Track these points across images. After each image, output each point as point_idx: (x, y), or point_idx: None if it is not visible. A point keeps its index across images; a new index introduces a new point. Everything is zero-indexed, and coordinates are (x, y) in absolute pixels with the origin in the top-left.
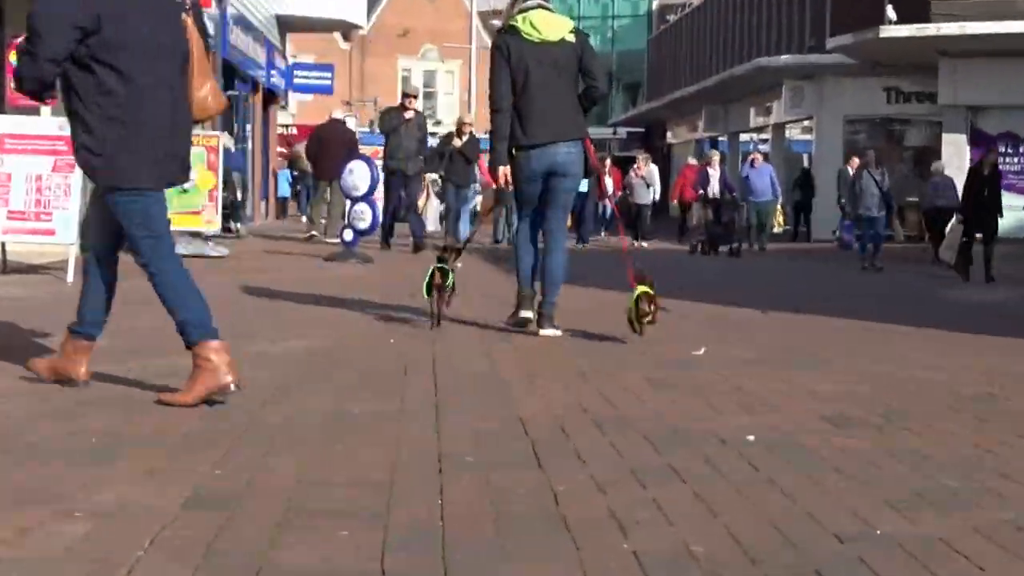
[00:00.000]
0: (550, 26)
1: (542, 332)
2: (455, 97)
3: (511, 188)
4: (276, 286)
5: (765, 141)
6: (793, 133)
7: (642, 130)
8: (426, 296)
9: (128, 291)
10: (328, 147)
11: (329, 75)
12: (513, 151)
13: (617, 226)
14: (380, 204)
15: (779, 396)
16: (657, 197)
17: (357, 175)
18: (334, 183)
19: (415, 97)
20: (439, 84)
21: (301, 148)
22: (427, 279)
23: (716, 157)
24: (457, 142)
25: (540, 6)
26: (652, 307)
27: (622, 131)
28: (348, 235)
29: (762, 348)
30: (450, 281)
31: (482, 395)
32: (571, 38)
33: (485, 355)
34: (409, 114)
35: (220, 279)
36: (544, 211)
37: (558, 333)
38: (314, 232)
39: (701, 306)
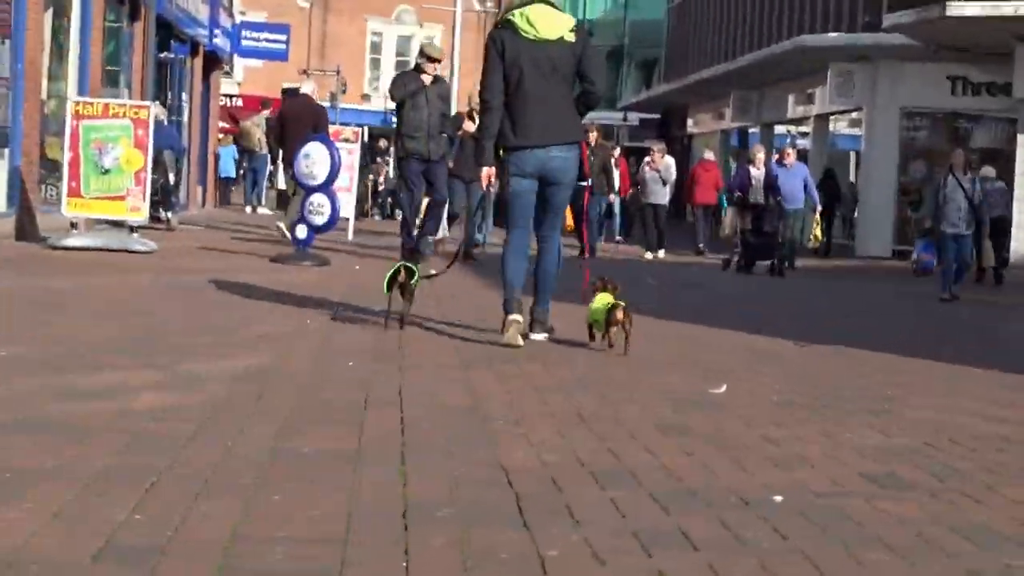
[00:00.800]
0: (549, 24)
1: (532, 336)
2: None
3: (494, 190)
4: (212, 291)
5: (805, 135)
6: (839, 126)
7: (657, 116)
8: (386, 292)
9: (40, 293)
10: (298, 127)
11: (284, 38)
12: (501, 152)
13: (628, 229)
14: (344, 195)
15: (815, 448)
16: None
17: (314, 159)
18: None
19: (438, 61)
20: (416, 53)
21: (253, 122)
22: (389, 274)
23: (760, 154)
24: (470, 126)
25: (541, 0)
26: (625, 317)
27: (633, 117)
28: (301, 232)
29: (796, 388)
30: (415, 281)
31: (458, 435)
32: (570, 37)
33: (462, 383)
34: (428, 79)
35: (144, 279)
36: (536, 220)
37: (544, 337)
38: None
39: (725, 333)
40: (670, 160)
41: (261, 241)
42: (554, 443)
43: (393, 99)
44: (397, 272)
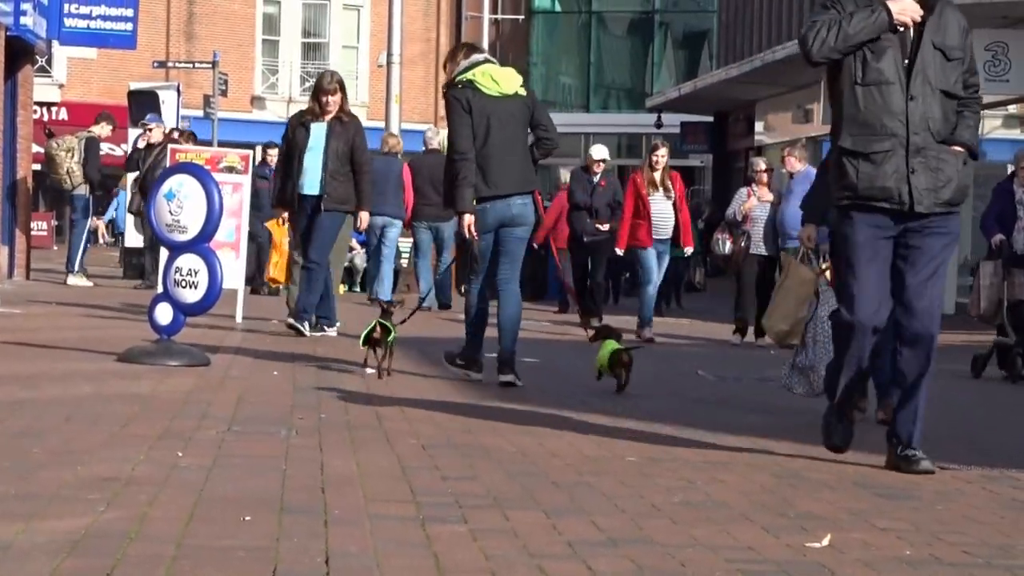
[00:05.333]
0: (507, 80)
1: (502, 378)
2: (362, 53)
3: (476, 238)
4: (26, 409)
5: None
6: (992, 124)
7: (708, 119)
8: (362, 346)
9: None
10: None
11: (130, 14)
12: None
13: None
14: (229, 255)
15: None
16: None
17: (180, 202)
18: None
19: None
20: (332, 30)
21: (60, 145)
22: (367, 331)
23: None
24: (434, 143)
25: (487, 60)
26: (628, 360)
27: (672, 120)
28: (163, 314)
29: (936, 541)
30: (391, 339)
31: None
32: (522, 92)
33: (421, 549)
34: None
35: None
36: (494, 264)
37: (519, 382)
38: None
39: (842, 468)
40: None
41: (100, 330)
42: None
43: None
44: (373, 330)
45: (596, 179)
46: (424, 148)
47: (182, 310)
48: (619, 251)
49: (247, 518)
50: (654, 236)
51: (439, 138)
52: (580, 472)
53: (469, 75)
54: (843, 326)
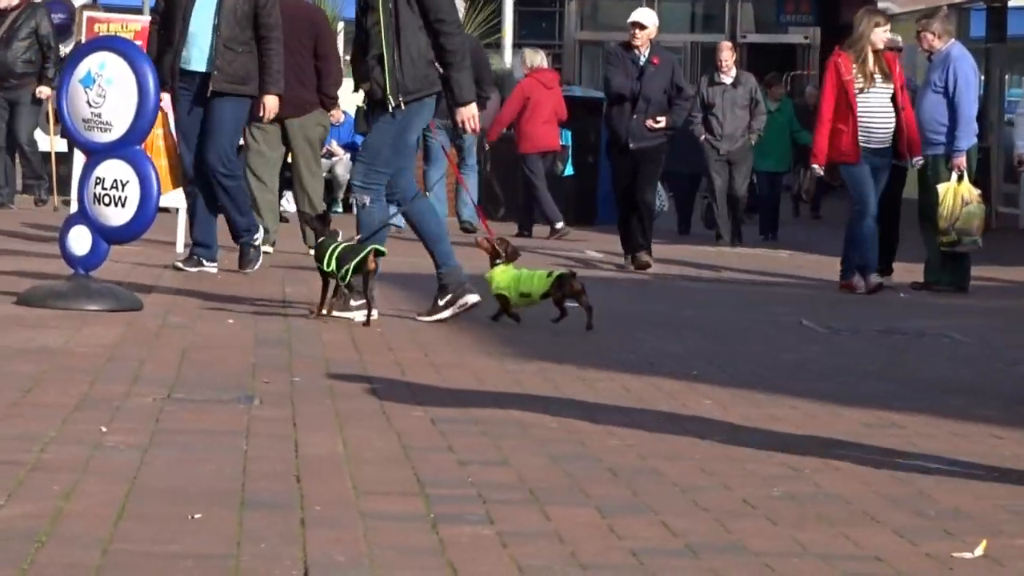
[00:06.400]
0: None
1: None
2: None
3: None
4: None
5: None
6: None
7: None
8: (344, 280)
9: None
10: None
11: None
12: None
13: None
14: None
15: None
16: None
17: (103, 87)
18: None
19: None
20: None
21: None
22: (356, 260)
23: None
24: None
25: None
26: (581, 286)
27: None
28: (79, 241)
29: None
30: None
31: None
32: None
33: (436, 555)
34: None
35: None
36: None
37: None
38: (267, 244)
39: None
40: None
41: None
42: None
43: None
44: (366, 258)
45: (643, 57)
46: None
47: (105, 236)
48: (817, 168)
49: (196, 516)
50: (865, 145)
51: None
52: (644, 456)
53: None
54: None
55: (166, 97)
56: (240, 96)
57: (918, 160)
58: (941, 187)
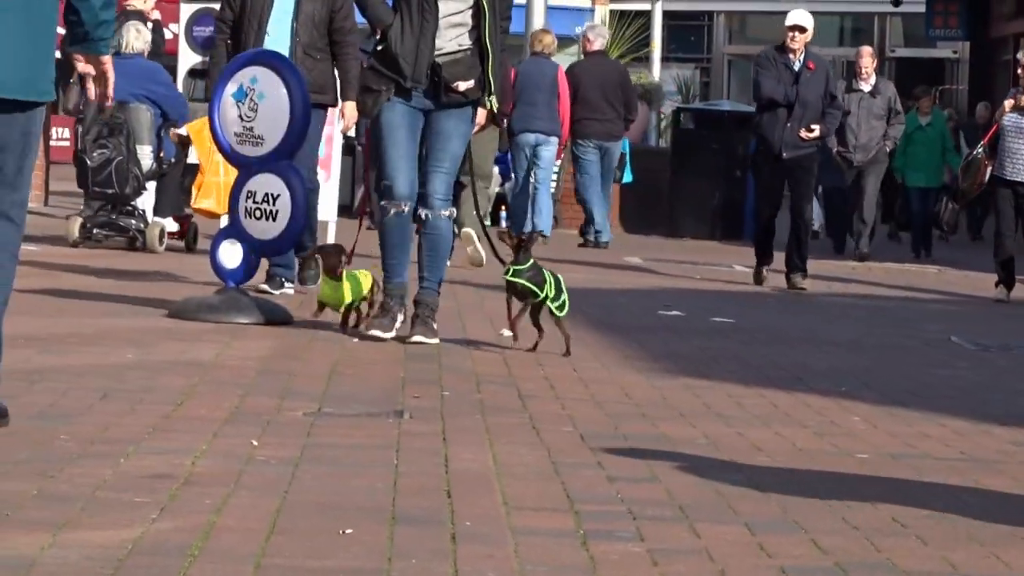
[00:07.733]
0: None
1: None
2: None
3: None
4: (47, 384)
5: None
6: None
7: None
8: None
9: None
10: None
11: None
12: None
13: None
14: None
15: None
16: None
17: (255, 101)
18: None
19: None
20: None
21: None
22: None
23: None
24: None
25: None
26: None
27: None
28: (230, 255)
29: None
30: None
31: None
32: None
33: (586, 571)
34: None
35: None
36: None
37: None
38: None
39: None
40: None
41: (146, 271)
42: None
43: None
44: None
45: (798, 61)
46: (584, 50)
47: (255, 249)
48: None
49: (347, 531)
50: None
51: (604, 39)
52: (793, 472)
53: None
54: None
55: None
56: (319, 105)
57: None
58: None
